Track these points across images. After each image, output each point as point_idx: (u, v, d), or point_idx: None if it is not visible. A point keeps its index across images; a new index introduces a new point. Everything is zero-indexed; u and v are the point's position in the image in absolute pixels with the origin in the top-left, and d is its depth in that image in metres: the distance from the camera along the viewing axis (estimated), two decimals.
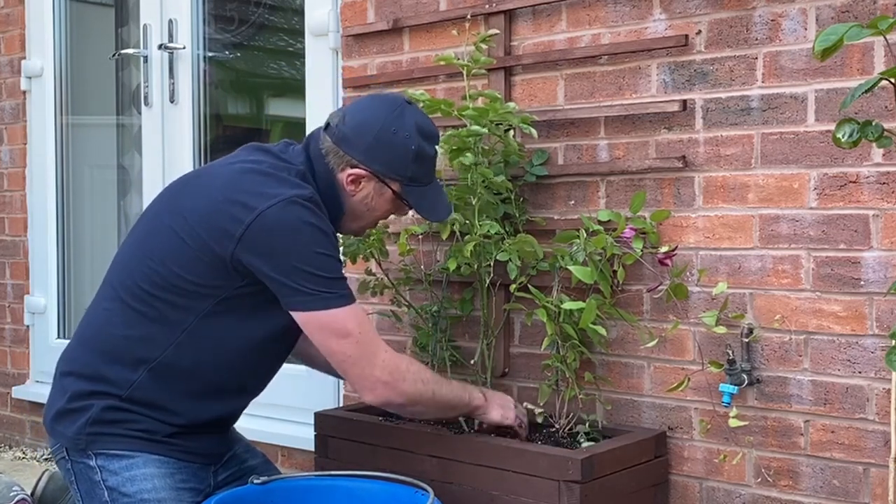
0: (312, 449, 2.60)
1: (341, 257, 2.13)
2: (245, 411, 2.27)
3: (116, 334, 2.08)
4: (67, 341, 2.23)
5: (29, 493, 2.51)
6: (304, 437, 2.92)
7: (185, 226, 2.03)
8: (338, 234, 2.18)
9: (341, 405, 2.99)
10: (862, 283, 2.14)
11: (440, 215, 2.24)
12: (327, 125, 2.15)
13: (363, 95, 2.90)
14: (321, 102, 3.11)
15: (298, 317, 2.03)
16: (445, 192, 2.28)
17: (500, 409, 2.29)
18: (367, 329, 2.07)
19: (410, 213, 2.39)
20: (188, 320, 2.04)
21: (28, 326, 4.10)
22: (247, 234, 1.97)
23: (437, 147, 2.17)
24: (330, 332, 2.03)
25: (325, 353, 2.08)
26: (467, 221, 2.35)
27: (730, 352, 2.26)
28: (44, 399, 2.25)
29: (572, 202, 2.55)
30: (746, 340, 2.27)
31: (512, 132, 2.54)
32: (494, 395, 2.33)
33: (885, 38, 1.63)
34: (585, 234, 2.30)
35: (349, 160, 2.10)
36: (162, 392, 2.07)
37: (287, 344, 2.20)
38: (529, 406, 2.39)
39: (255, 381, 2.21)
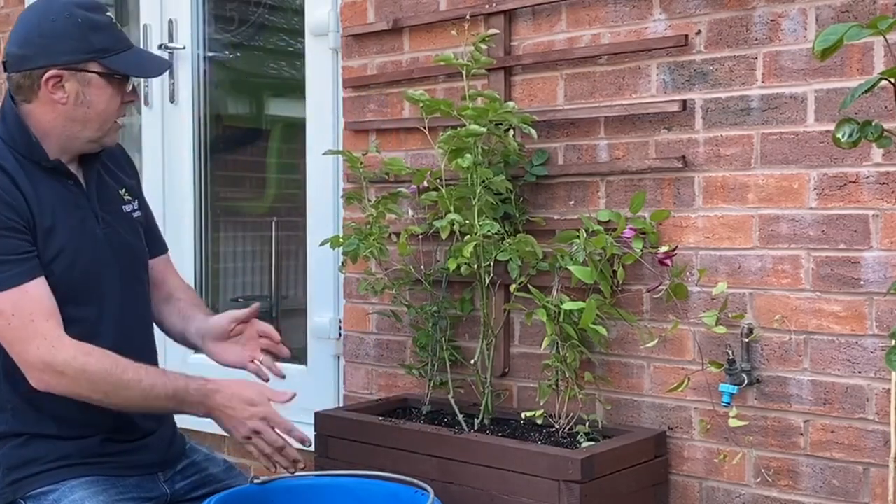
0: (312, 449, 2.60)
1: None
2: None
3: None
4: None
5: None
6: None
7: None
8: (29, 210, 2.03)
9: (341, 405, 2.99)
10: (862, 283, 2.14)
11: (152, 71, 2.28)
12: (3, 64, 2.10)
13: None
14: (321, 102, 3.10)
15: None
16: (149, 52, 2.28)
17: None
18: (25, 313, 1.96)
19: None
20: None
21: None
22: None
23: (108, 14, 2.11)
24: None
25: None
26: (467, 221, 2.35)
27: (730, 352, 2.26)
28: None
29: (572, 202, 2.55)
30: (746, 340, 2.27)
31: (512, 132, 2.54)
32: (228, 385, 2.13)
33: (885, 38, 1.63)
34: (585, 234, 2.30)
35: (37, 73, 2.03)
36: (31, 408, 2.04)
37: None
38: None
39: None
